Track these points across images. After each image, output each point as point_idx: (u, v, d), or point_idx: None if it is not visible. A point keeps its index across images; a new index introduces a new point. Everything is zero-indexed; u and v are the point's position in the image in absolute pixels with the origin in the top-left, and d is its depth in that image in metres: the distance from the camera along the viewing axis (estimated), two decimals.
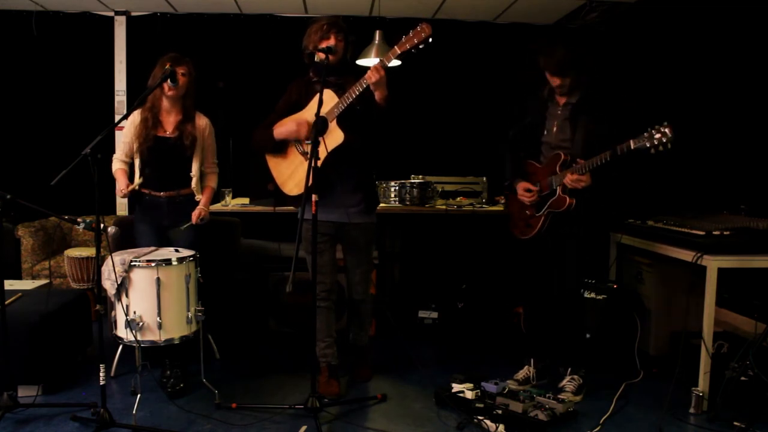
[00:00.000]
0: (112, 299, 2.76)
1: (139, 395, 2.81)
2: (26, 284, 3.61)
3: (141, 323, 2.70)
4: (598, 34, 5.16)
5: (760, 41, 3.51)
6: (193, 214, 3.16)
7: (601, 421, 2.82)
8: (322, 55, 2.83)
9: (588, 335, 3.45)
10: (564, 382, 3.13)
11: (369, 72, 2.72)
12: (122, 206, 5.16)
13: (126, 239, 3.20)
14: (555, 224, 3.08)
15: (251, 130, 3.18)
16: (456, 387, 2.99)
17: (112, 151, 4.94)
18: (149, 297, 2.71)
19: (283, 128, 3.00)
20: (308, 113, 2.98)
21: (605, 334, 3.52)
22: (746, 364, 2.80)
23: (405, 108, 4.64)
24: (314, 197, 2.65)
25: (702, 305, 2.94)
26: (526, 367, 3.28)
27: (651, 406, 2.98)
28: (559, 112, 3.06)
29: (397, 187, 4.30)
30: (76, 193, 3.63)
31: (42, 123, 5.18)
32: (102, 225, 2.57)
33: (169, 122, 3.18)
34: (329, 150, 2.78)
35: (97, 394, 2.65)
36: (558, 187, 3.01)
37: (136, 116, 3.17)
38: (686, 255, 3.01)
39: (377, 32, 4.35)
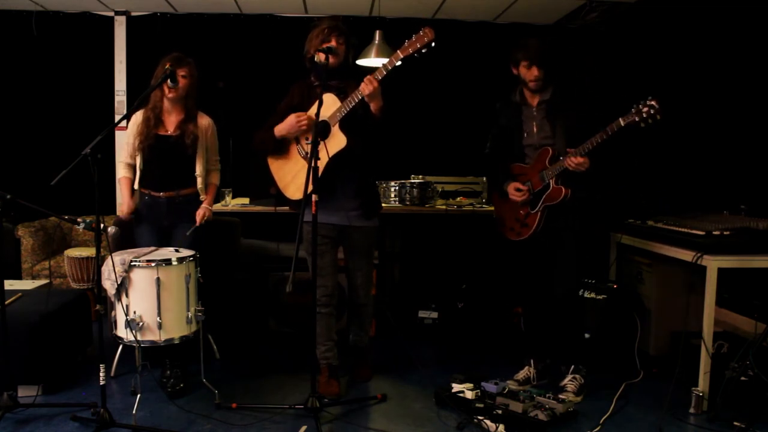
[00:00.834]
0: (112, 299, 2.75)
1: (139, 395, 2.81)
2: (26, 284, 3.61)
3: (141, 323, 2.70)
4: (598, 34, 5.16)
5: (760, 41, 3.51)
6: (197, 214, 3.16)
7: (601, 421, 2.82)
8: (322, 56, 2.82)
9: (588, 335, 3.45)
10: (565, 381, 3.13)
11: (362, 84, 2.72)
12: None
13: (126, 239, 3.20)
14: (550, 219, 3.08)
15: (251, 131, 3.18)
16: (456, 387, 2.99)
17: (112, 151, 5.01)
18: (149, 297, 2.71)
19: (284, 124, 2.99)
20: (310, 113, 2.97)
21: (605, 334, 3.52)
22: (746, 364, 2.80)
23: (405, 108, 4.65)
24: (314, 197, 2.65)
25: (702, 305, 2.94)
26: (527, 367, 3.28)
27: (651, 406, 2.99)
28: (535, 113, 3.10)
29: (397, 187, 4.31)
30: (76, 193, 3.62)
31: (42, 123, 5.18)
32: (102, 225, 2.57)
33: (171, 122, 3.18)
34: (332, 154, 2.77)
35: (97, 394, 2.65)
36: (551, 180, 3.01)
37: (138, 116, 3.18)
38: (686, 255, 3.01)
39: (377, 32, 4.35)
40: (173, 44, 3.80)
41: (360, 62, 4.25)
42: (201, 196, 3.25)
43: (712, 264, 2.88)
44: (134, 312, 2.71)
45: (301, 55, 3.03)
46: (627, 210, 3.66)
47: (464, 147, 5.31)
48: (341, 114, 2.82)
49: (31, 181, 3.79)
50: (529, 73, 3.00)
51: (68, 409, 2.82)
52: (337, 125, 2.84)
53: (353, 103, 2.78)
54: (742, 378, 2.84)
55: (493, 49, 5.27)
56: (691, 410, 2.92)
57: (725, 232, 2.92)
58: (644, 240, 3.45)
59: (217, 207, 4.11)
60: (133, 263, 2.71)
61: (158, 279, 2.71)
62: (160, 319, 2.72)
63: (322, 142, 2.70)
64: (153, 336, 2.73)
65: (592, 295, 3.57)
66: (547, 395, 2.88)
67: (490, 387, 2.95)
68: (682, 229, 3.10)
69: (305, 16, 5.11)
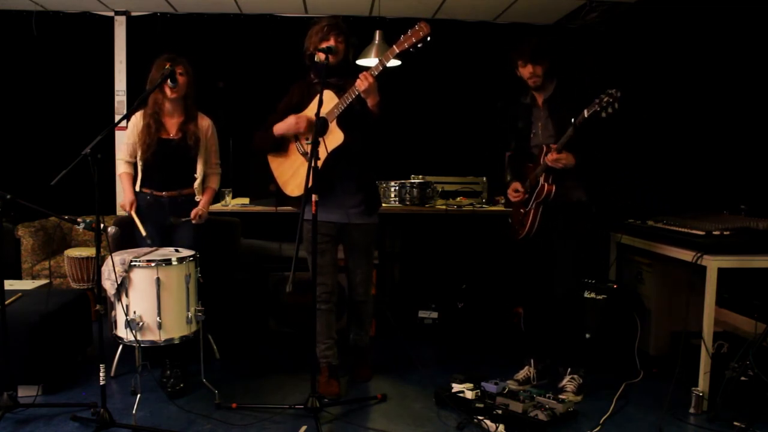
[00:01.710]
0: (112, 299, 2.75)
1: (139, 395, 2.81)
2: (26, 284, 3.61)
3: (141, 323, 2.70)
4: (598, 34, 5.16)
5: (760, 41, 3.52)
6: (192, 212, 3.16)
7: (601, 421, 2.82)
8: (322, 56, 2.83)
9: (588, 335, 3.45)
10: (564, 382, 3.13)
11: (357, 80, 2.72)
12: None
13: (126, 239, 3.20)
14: (548, 219, 3.08)
15: (251, 131, 3.18)
16: (456, 387, 2.99)
17: (112, 151, 5.01)
18: (149, 297, 2.71)
19: (283, 123, 3.00)
20: (309, 113, 2.98)
21: (605, 334, 3.52)
22: (746, 364, 2.80)
23: (405, 108, 4.65)
24: (314, 197, 2.65)
25: (702, 305, 2.94)
26: (527, 367, 3.28)
27: (651, 406, 2.99)
28: (541, 113, 3.11)
29: (397, 187, 4.31)
30: (76, 193, 3.63)
31: (42, 123, 5.18)
32: (102, 225, 2.57)
33: (172, 124, 3.18)
34: (329, 150, 2.78)
35: (97, 394, 2.65)
36: (541, 178, 3.02)
37: (138, 118, 3.17)
38: (686, 255, 3.01)
39: (377, 32, 4.36)
40: (173, 44, 3.81)
41: (360, 62, 4.25)
42: (197, 197, 3.24)
43: (712, 264, 2.88)
44: (134, 312, 2.71)
45: (301, 56, 3.04)
46: (627, 210, 3.66)
47: (464, 147, 5.32)
48: (338, 110, 2.83)
49: (31, 181, 3.79)
50: (525, 71, 3.03)
51: (68, 409, 2.82)
52: (334, 121, 2.84)
53: (350, 100, 2.79)
54: (742, 378, 2.84)
55: (493, 49, 5.28)
56: (691, 410, 2.92)
57: (725, 232, 2.91)
58: (644, 240, 3.45)
59: (217, 207, 4.11)
60: (133, 263, 2.71)
61: (158, 279, 2.71)
62: (160, 319, 2.72)
63: (320, 139, 2.70)
64: (153, 336, 2.73)
65: (592, 295, 3.57)
66: (547, 395, 2.88)
67: (490, 387, 2.95)
68: (682, 229, 3.10)
69: (305, 16, 5.11)
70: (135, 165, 3.23)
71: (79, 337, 3.46)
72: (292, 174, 3.05)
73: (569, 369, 3.16)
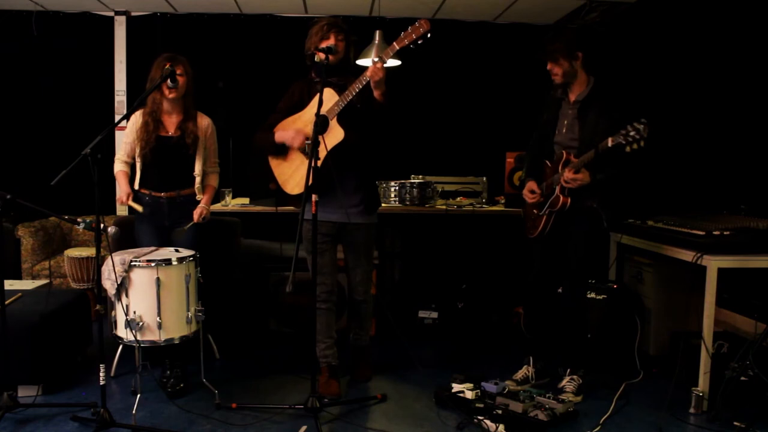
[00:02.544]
0: (112, 299, 2.75)
1: (139, 395, 2.81)
2: (26, 284, 3.61)
3: (141, 323, 2.70)
4: (598, 34, 5.16)
5: (760, 41, 3.51)
6: (195, 212, 3.16)
7: (601, 421, 2.81)
8: (322, 55, 2.83)
9: (588, 335, 3.45)
10: (564, 382, 3.13)
11: (370, 70, 2.72)
12: (122, 206, 5.16)
13: (126, 239, 3.20)
14: (559, 225, 3.07)
15: (252, 131, 3.18)
16: (456, 387, 2.99)
17: (112, 151, 5.00)
18: (149, 297, 2.71)
19: (284, 133, 3.01)
20: (309, 112, 2.98)
21: (605, 334, 3.52)
22: (746, 364, 2.80)
23: (405, 108, 4.65)
24: (314, 197, 2.65)
25: (702, 305, 2.94)
26: (525, 366, 3.28)
27: (651, 406, 2.98)
28: (569, 111, 3.05)
29: (397, 187, 4.30)
30: (76, 193, 3.62)
31: (42, 123, 5.18)
32: (102, 225, 2.57)
33: (171, 123, 3.18)
34: (329, 148, 2.78)
35: (97, 394, 2.65)
36: (557, 187, 3.01)
37: (137, 117, 3.17)
38: (686, 255, 3.01)
39: (377, 32, 4.35)
40: (173, 44, 3.81)
41: (360, 62, 4.25)
42: (198, 196, 3.24)
43: (712, 264, 2.88)
44: (134, 312, 2.71)
45: (301, 55, 3.04)
46: (627, 210, 3.66)
47: (464, 147, 5.32)
48: (339, 107, 2.83)
49: (31, 181, 3.79)
50: (548, 66, 2.99)
51: (68, 409, 2.82)
52: (335, 119, 2.85)
53: (350, 97, 2.79)
54: (742, 378, 2.84)
55: (493, 49, 5.29)
56: (691, 410, 2.92)
57: (725, 232, 2.91)
58: (644, 240, 3.44)
59: (217, 207, 4.11)
60: (133, 263, 2.71)
61: (158, 279, 2.71)
62: (160, 319, 2.72)
63: (320, 138, 2.70)
64: (153, 336, 2.73)
65: (592, 295, 3.57)
66: (547, 395, 2.88)
67: (490, 387, 2.95)
68: (682, 229, 3.10)
69: (305, 16, 5.11)
70: (133, 166, 3.23)
71: (79, 337, 3.46)
72: (291, 172, 3.05)
73: (569, 369, 3.16)
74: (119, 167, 3.23)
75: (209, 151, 3.31)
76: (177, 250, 2.95)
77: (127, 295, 2.72)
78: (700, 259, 2.91)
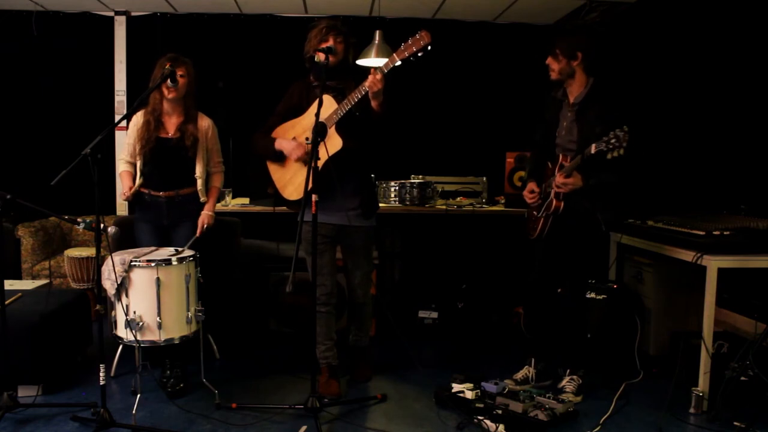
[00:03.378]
0: (112, 299, 2.75)
1: (139, 395, 2.81)
2: (26, 284, 3.61)
3: (141, 323, 2.70)
4: (598, 34, 5.15)
5: (760, 41, 3.52)
6: (198, 223, 3.18)
7: (601, 421, 2.82)
8: (321, 56, 2.82)
9: (588, 335, 3.45)
10: (564, 382, 3.13)
11: (368, 81, 2.71)
12: (122, 206, 5.16)
13: (126, 239, 3.20)
14: (558, 227, 3.07)
15: (251, 131, 3.18)
16: (456, 387, 2.99)
17: (112, 151, 5.02)
18: (149, 297, 2.71)
19: (286, 143, 3.01)
20: (308, 118, 2.98)
21: (605, 334, 3.52)
22: (746, 364, 2.80)
23: (405, 108, 4.65)
24: (314, 197, 2.65)
25: (702, 305, 2.94)
26: (526, 367, 3.28)
27: (651, 406, 2.98)
28: (569, 113, 3.05)
29: (397, 187, 4.30)
30: (76, 193, 3.62)
31: (42, 123, 5.18)
32: (102, 225, 2.57)
33: (171, 123, 3.18)
34: (328, 156, 2.77)
35: (97, 394, 2.65)
36: (551, 190, 3.01)
37: (139, 117, 3.17)
38: (686, 255, 3.01)
39: (377, 32, 4.35)
40: (173, 44, 3.81)
41: (360, 62, 4.25)
42: (201, 198, 3.25)
43: (712, 264, 2.88)
44: (134, 312, 2.71)
45: (301, 55, 3.03)
46: (627, 210, 3.66)
47: (464, 147, 5.32)
48: (337, 116, 2.82)
49: (31, 181, 3.79)
50: (548, 62, 2.99)
51: (68, 409, 2.82)
52: (333, 127, 2.84)
53: (350, 105, 2.78)
54: (742, 378, 2.84)
55: (493, 49, 5.29)
56: (691, 410, 2.92)
57: (725, 232, 2.91)
58: (644, 240, 3.44)
59: (217, 207, 4.10)
60: (133, 263, 2.71)
61: (158, 279, 2.71)
62: (160, 319, 2.72)
63: (321, 143, 2.69)
64: (153, 336, 2.73)
65: (593, 295, 3.57)
66: (547, 395, 2.88)
67: (490, 387, 2.95)
68: (682, 229, 3.10)
69: (305, 16, 5.11)
70: (135, 166, 3.23)
71: (79, 337, 3.46)
72: (290, 177, 3.05)
73: (569, 369, 3.16)
74: (123, 167, 3.24)
75: (211, 151, 3.31)
76: (177, 250, 2.95)
77: (127, 295, 2.72)
78: (700, 259, 2.91)
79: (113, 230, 2.70)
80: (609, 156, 2.70)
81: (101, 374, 2.54)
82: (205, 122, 3.27)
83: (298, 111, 3.05)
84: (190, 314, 2.83)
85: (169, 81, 3.00)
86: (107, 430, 2.55)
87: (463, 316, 4.37)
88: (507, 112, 5.23)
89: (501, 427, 2.66)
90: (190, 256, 2.86)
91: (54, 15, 5.14)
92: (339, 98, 2.85)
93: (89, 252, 4.07)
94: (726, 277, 2.93)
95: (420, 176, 4.69)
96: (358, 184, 3.08)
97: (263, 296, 4.14)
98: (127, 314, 2.70)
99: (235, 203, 4.30)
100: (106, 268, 2.71)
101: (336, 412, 2.88)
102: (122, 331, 2.74)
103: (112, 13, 5.18)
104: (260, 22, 5.24)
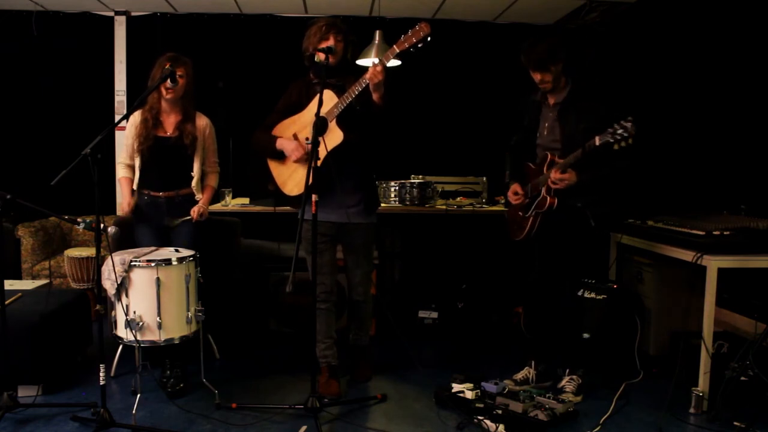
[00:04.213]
0: (112, 299, 2.75)
1: (139, 395, 2.81)
2: (26, 284, 3.61)
3: (141, 323, 2.70)
4: (598, 34, 5.16)
5: (760, 41, 3.51)
6: (193, 210, 3.17)
7: (601, 421, 2.81)
8: (321, 55, 2.83)
9: (588, 335, 3.45)
10: (563, 382, 3.13)
11: (369, 73, 2.71)
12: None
13: (126, 239, 3.20)
14: (548, 226, 3.07)
15: (251, 131, 3.18)
16: (456, 387, 2.99)
17: (112, 151, 5.02)
18: (149, 297, 2.71)
19: (287, 143, 3.01)
20: (308, 114, 2.98)
21: (605, 334, 3.52)
22: (746, 364, 2.80)
23: (405, 108, 4.66)
24: (314, 197, 2.65)
25: (702, 305, 2.94)
26: (526, 368, 3.28)
27: (651, 406, 2.98)
28: (550, 114, 3.07)
29: (397, 187, 4.30)
30: (76, 193, 3.62)
31: (42, 123, 5.19)
32: (102, 225, 2.57)
33: (169, 122, 3.18)
34: (329, 150, 2.78)
35: (97, 394, 2.65)
36: (543, 188, 3.01)
37: (136, 117, 3.18)
38: (686, 255, 3.01)
39: (377, 32, 4.36)
40: (173, 44, 3.80)
41: (360, 62, 4.26)
42: (197, 196, 3.25)
43: (712, 264, 2.88)
44: (134, 312, 2.71)
45: (301, 56, 3.03)
46: (627, 210, 3.66)
47: (464, 147, 5.33)
48: (338, 109, 2.83)
49: (31, 181, 3.79)
50: (535, 77, 3.00)
51: (68, 409, 2.82)
52: (334, 120, 2.84)
53: (350, 99, 2.79)
54: (742, 378, 2.84)
55: (493, 49, 5.29)
56: (691, 410, 2.91)
57: (725, 232, 2.91)
58: (644, 240, 3.44)
59: (217, 207, 4.11)
60: (133, 263, 2.71)
61: (158, 279, 2.71)
62: (160, 319, 2.72)
63: (321, 141, 2.70)
64: (153, 336, 2.73)
65: (593, 295, 3.56)
66: (547, 395, 2.88)
67: (490, 387, 2.95)
68: (682, 229, 3.10)
69: (305, 16, 5.11)
70: (134, 168, 3.23)
71: (79, 337, 3.46)
72: (290, 173, 3.05)
73: (568, 369, 3.16)
74: (122, 173, 3.25)
75: (208, 151, 3.31)
76: (177, 250, 2.95)
77: (127, 295, 2.72)
78: (700, 259, 2.91)
79: (113, 230, 2.70)
80: (616, 146, 2.70)
81: (101, 374, 2.54)
82: (202, 121, 3.27)
83: (298, 108, 3.05)
84: (190, 314, 2.83)
85: (168, 81, 3.00)
86: (107, 430, 2.55)
87: (463, 316, 4.37)
88: (507, 112, 5.22)
89: (501, 427, 2.66)
90: (190, 256, 2.86)
91: (54, 15, 5.14)
92: (339, 93, 2.86)
93: (89, 252, 4.07)
94: (726, 277, 2.93)
95: (420, 176, 4.69)
96: (358, 181, 3.08)
97: (263, 296, 4.14)
98: (127, 314, 2.70)
99: (235, 203, 4.30)
100: (106, 268, 2.71)
101: (336, 412, 2.88)
102: (122, 331, 2.74)
103: (112, 13, 5.19)
104: (260, 22, 5.24)
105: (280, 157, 3.07)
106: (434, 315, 4.32)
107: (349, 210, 3.04)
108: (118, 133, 4.93)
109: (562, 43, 2.96)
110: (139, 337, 2.69)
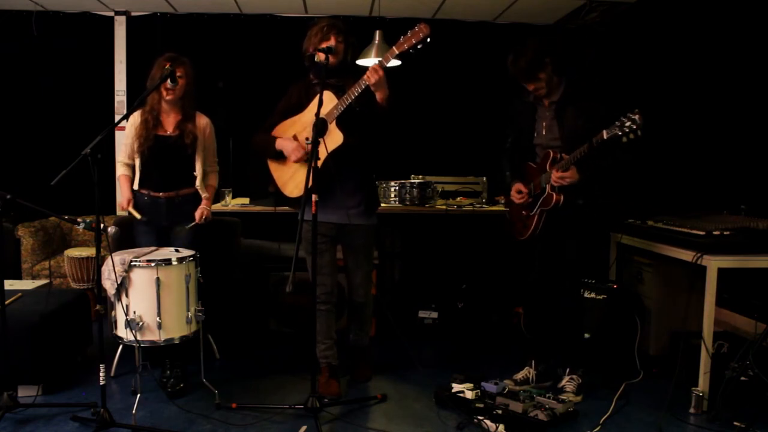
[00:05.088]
0: (112, 299, 2.75)
1: (139, 395, 2.81)
2: (26, 284, 3.61)
3: (141, 323, 2.70)
4: (598, 34, 5.16)
5: (760, 41, 3.51)
6: (197, 213, 3.17)
7: (601, 421, 2.81)
8: (322, 55, 2.82)
9: (588, 335, 3.45)
10: (563, 382, 3.13)
11: (368, 73, 2.72)
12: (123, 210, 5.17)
13: (126, 239, 3.20)
14: (552, 223, 3.08)
15: (251, 130, 3.18)
16: (456, 387, 2.99)
17: (112, 151, 5.02)
18: (149, 297, 2.71)
19: (286, 144, 3.01)
20: (307, 115, 2.98)
21: (605, 334, 3.52)
22: (746, 364, 2.80)
23: (405, 108, 4.65)
24: (314, 197, 2.65)
25: (702, 305, 2.94)
26: (527, 368, 3.28)
27: (651, 406, 2.98)
28: (547, 113, 3.07)
29: (397, 187, 4.30)
30: (76, 193, 3.62)
31: (42, 123, 5.19)
32: (102, 225, 2.57)
33: (170, 122, 3.18)
34: (329, 151, 2.78)
35: (97, 394, 2.65)
36: (547, 185, 3.01)
37: (136, 117, 3.17)
38: (686, 255, 3.01)
39: (377, 32, 4.35)
40: (173, 44, 3.80)
41: (360, 62, 4.25)
42: (203, 194, 3.25)
43: (712, 264, 2.88)
44: (134, 312, 2.71)
45: (301, 56, 3.03)
46: (627, 210, 3.66)
47: (464, 147, 5.32)
48: (338, 111, 2.82)
49: (31, 181, 3.79)
50: (528, 86, 2.99)
51: (68, 409, 2.82)
52: (334, 122, 2.84)
53: (350, 100, 2.79)
54: (742, 378, 2.84)
55: (493, 49, 5.27)
56: (691, 410, 2.92)
57: (725, 232, 2.91)
58: (644, 240, 3.44)
59: (217, 207, 4.11)
60: (133, 263, 2.71)
61: (158, 279, 2.71)
62: (160, 319, 2.72)
63: (321, 142, 2.70)
64: (153, 336, 2.73)
65: (593, 295, 3.57)
66: (547, 395, 2.88)
67: (490, 387, 2.95)
68: (682, 229, 3.10)
69: (305, 16, 5.11)
70: (133, 167, 3.23)
71: (79, 337, 3.46)
72: (291, 175, 3.05)
73: (568, 369, 3.16)
74: (121, 171, 3.24)
75: (208, 150, 3.31)
76: (177, 250, 2.95)
77: (127, 295, 2.72)
78: (700, 259, 2.91)
79: (113, 230, 2.70)
80: (624, 139, 2.69)
81: (101, 374, 2.54)
82: (203, 120, 3.27)
83: (298, 109, 3.05)
84: (190, 314, 2.83)
85: (168, 81, 3.00)
86: (107, 430, 2.55)
87: (463, 316, 4.37)
88: (506, 112, 5.22)
89: (501, 427, 2.66)
90: (190, 256, 2.86)
91: (54, 15, 5.14)
92: (339, 94, 2.86)
93: (89, 252, 4.07)
94: (726, 277, 2.93)
95: (420, 176, 4.69)
96: (358, 182, 3.08)
97: (263, 296, 4.13)
98: (127, 314, 2.70)
99: (235, 203, 4.30)
100: (106, 268, 2.71)
101: (336, 412, 2.88)
102: (122, 331, 2.74)
103: (112, 13, 5.19)
104: (260, 22, 5.24)
105: (280, 158, 3.07)
106: (434, 315, 4.32)
107: (349, 211, 3.04)
108: (118, 133, 4.92)
109: (546, 46, 2.93)
110: (139, 337, 2.69)
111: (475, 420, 2.75)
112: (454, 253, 4.64)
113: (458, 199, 4.64)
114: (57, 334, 3.12)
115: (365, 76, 2.72)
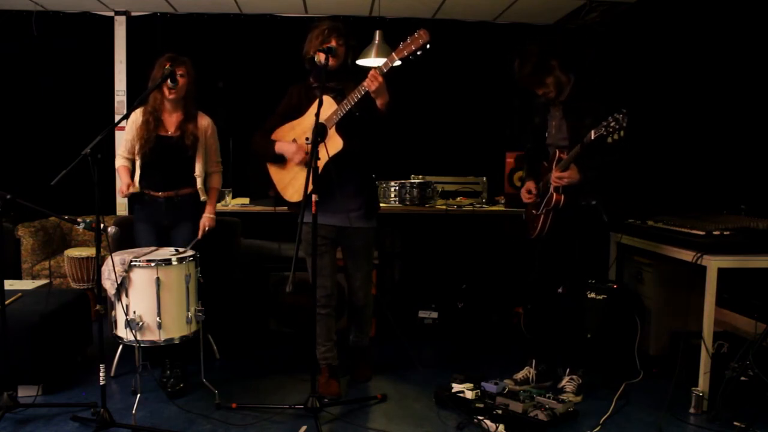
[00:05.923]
0: (112, 299, 2.75)
1: (139, 395, 2.81)
2: (26, 284, 3.61)
3: (141, 323, 2.70)
4: (598, 34, 5.16)
5: (760, 41, 3.51)
6: (200, 226, 3.19)
7: (601, 421, 2.82)
8: (322, 56, 2.82)
9: (588, 335, 3.45)
10: (564, 382, 3.13)
11: (367, 80, 2.71)
12: (122, 206, 5.17)
13: (126, 239, 3.20)
14: (559, 223, 3.07)
15: (251, 131, 3.18)
16: (456, 387, 2.99)
17: (112, 151, 5.01)
18: (149, 297, 2.71)
19: (286, 146, 3.01)
20: (307, 120, 2.97)
21: (605, 334, 3.52)
22: (746, 364, 2.80)
23: (405, 108, 4.65)
24: (314, 197, 2.65)
25: (702, 305, 2.94)
26: (527, 368, 3.28)
27: (651, 406, 2.98)
28: (557, 112, 3.07)
29: (397, 187, 4.31)
30: (76, 193, 3.62)
31: (42, 123, 5.19)
32: (102, 225, 2.57)
33: (171, 122, 3.18)
34: (329, 157, 2.77)
35: (97, 394, 2.65)
36: (551, 186, 3.02)
37: (138, 115, 3.17)
38: (686, 255, 3.01)
39: (377, 32, 4.35)
40: (173, 44, 3.81)
41: (360, 62, 4.25)
42: (202, 197, 3.25)
43: (712, 264, 2.88)
44: (134, 312, 2.71)
45: (301, 56, 3.03)
46: (627, 210, 3.66)
47: (464, 147, 5.33)
48: (337, 117, 2.82)
49: (31, 181, 3.79)
50: (536, 92, 3.00)
51: (68, 409, 2.82)
52: (333, 128, 2.84)
53: (349, 106, 2.78)
54: (742, 378, 2.84)
55: (493, 49, 5.28)
56: (691, 410, 2.92)
57: (725, 232, 2.91)
58: (644, 240, 3.44)
59: (217, 207, 4.09)
60: (133, 263, 2.71)
61: (158, 279, 2.71)
62: (160, 319, 2.72)
63: (322, 143, 2.69)
64: (153, 336, 2.73)
65: (593, 295, 3.57)
66: (547, 395, 2.88)
67: (490, 387, 2.95)
68: (682, 229, 3.10)
69: (305, 16, 5.11)
70: (133, 163, 3.23)
71: (79, 337, 3.46)
72: (291, 179, 3.04)
73: (569, 369, 3.16)
74: (120, 162, 3.25)
75: (210, 150, 3.31)
76: (177, 250, 2.95)
77: (127, 295, 2.72)
78: (700, 259, 2.91)
79: (113, 230, 2.70)
80: (609, 139, 2.70)
81: (101, 374, 2.54)
82: (204, 121, 3.27)
83: (298, 112, 3.04)
84: (190, 314, 2.83)
85: (169, 81, 3.00)
86: (107, 430, 2.55)
87: (463, 316, 4.37)
88: (507, 112, 5.23)
89: (501, 427, 2.66)
90: (190, 256, 2.86)
91: (54, 15, 5.14)
92: (338, 99, 2.85)
93: (89, 252, 4.07)
94: (726, 277, 2.93)
95: (420, 176, 4.69)
96: (358, 185, 3.08)
97: (263, 296, 4.14)
98: (127, 314, 2.70)
99: (235, 203, 4.30)
100: (106, 268, 2.71)
101: (336, 412, 2.88)
102: (122, 331, 2.74)
103: (112, 13, 5.18)
104: (260, 22, 5.24)
105: (281, 161, 3.06)
106: (434, 315, 4.32)
107: (350, 214, 3.03)
108: (118, 133, 4.91)
109: (549, 47, 2.94)
110: (139, 337, 2.69)
111: (475, 420, 2.75)
112: (454, 253, 4.64)
113: (458, 199, 4.64)
114: (57, 334, 3.12)
115: (365, 83, 2.72)
